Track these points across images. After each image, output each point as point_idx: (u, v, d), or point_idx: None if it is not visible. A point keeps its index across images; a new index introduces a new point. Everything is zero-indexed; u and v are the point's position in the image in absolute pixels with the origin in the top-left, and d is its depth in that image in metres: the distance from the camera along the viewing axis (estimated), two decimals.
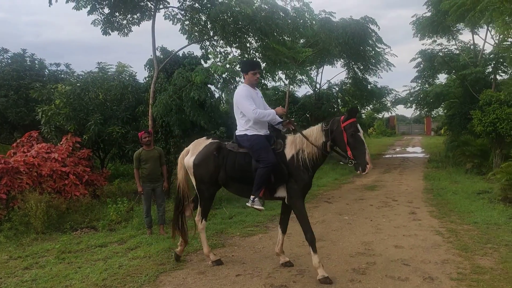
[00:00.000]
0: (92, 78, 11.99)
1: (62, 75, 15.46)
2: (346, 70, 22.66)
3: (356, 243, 6.98)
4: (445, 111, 23.52)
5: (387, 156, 26.80)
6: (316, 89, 22.72)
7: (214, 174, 5.61)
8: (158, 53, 11.48)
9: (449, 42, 20.64)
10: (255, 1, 10.63)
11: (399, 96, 25.18)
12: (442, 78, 23.25)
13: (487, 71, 18.04)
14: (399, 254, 6.24)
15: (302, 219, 5.34)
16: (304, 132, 5.37)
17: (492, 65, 17.94)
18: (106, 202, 9.56)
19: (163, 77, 10.89)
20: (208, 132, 12.33)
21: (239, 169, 5.44)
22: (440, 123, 40.85)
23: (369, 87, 22.79)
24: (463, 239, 7.04)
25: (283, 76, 18.69)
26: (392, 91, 25.10)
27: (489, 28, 17.46)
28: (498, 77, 18.35)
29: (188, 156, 5.88)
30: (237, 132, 5.60)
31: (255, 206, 5.23)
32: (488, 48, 18.68)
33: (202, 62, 11.56)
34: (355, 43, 18.03)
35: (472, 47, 20.33)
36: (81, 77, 12.44)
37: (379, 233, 7.61)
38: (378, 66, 21.56)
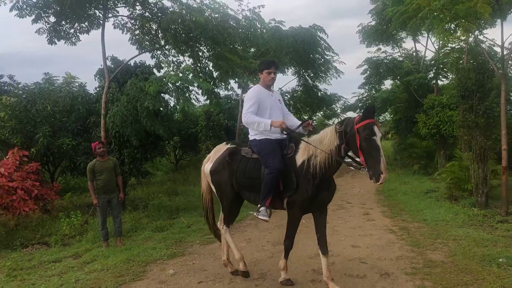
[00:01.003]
0: (39, 89, 11.57)
1: (6, 87, 14.76)
2: (297, 78, 23.13)
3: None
4: (391, 115, 24.50)
5: None
6: None
7: (228, 181, 5.33)
8: (108, 63, 11.27)
9: (393, 50, 21.61)
10: (206, 10, 10.72)
11: (348, 103, 26.02)
12: (388, 84, 24.29)
13: (429, 77, 18.99)
14: (356, 253, 6.46)
15: (290, 227, 5.02)
16: (317, 135, 4.88)
17: (434, 71, 18.93)
18: (58, 217, 9.22)
19: (115, 87, 10.69)
20: (162, 142, 12.22)
21: (248, 176, 5.09)
22: (388, 128, 42.46)
23: (319, 94, 23.37)
24: (415, 235, 7.37)
25: (235, 85, 18.90)
26: (342, 98, 25.91)
27: (430, 36, 18.44)
28: (440, 82, 19.41)
29: (208, 164, 5.65)
30: (249, 137, 5.29)
31: (259, 216, 4.84)
32: (429, 55, 19.79)
33: (155, 71, 11.46)
34: (305, 51, 18.42)
35: (414, 54, 21.38)
36: (27, 88, 11.95)
37: (336, 234, 7.82)
38: (328, 73, 22.18)
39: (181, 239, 7.93)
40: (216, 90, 11.24)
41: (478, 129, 9.64)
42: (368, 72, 20.50)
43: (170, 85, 9.88)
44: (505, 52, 9.62)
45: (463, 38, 9.91)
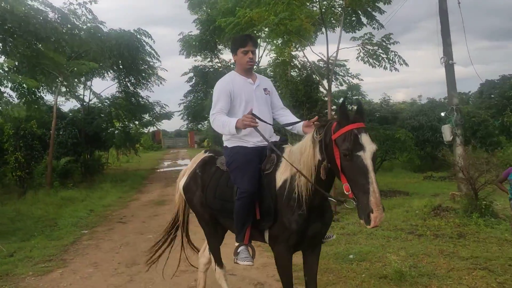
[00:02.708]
0: None
1: None
2: (118, 83, 21.95)
3: (175, 260, 6.66)
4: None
5: (162, 170, 26.77)
6: (85, 103, 21.17)
7: (201, 200, 4.03)
8: None
9: (213, 61, 22.24)
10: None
11: (164, 111, 25.20)
12: None
13: None
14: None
15: (281, 272, 3.51)
16: (298, 144, 3.39)
17: None
18: None
19: None
20: None
21: (219, 197, 3.78)
22: (204, 136, 43.89)
23: (141, 102, 22.55)
24: None
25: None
26: (165, 106, 25.16)
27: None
28: None
29: (183, 179, 4.31)
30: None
31: (238, 262, 3.49)
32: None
33: None
34: (131, 56, 17.61)
35: (232, 66, 22.46)
36: None
37: (223, 246, 7.44)
38: (150, 80, 21.68)
39: (6, 272, 6.45)
40: (39, 94, 9.67)
41: None
42: (194, 80, 20.70)
43: None
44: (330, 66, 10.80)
45: (293, 52, 10.73)
